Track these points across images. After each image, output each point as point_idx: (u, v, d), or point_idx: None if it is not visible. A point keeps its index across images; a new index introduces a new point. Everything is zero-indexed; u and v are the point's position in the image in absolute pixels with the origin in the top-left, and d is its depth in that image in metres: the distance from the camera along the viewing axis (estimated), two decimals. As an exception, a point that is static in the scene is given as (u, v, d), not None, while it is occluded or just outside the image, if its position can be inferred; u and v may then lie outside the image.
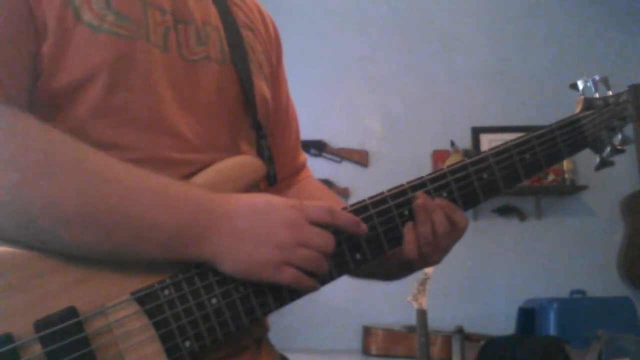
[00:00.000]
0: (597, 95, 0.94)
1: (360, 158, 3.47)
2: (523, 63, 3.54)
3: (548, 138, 0.88)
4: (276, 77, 1.01)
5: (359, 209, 0.78)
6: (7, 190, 0.64)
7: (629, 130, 0.96)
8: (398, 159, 3.37)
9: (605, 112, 0.93)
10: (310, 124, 3.40)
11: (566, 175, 3.35)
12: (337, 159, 3.48)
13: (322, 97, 3.53)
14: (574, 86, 0.95)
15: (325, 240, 0.71)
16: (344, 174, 3.43)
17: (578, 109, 0.93)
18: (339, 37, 3.59)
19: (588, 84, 0.94)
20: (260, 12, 1.00)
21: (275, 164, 0.92)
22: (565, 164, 3.36)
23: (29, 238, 0.66)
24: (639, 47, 3.53)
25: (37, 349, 0.63)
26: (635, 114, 0.94)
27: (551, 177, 3.35)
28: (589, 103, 0.93)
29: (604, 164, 0.95)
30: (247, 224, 0.70)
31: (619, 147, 0.94)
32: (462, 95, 3.52)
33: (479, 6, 3.64)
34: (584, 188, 3.36)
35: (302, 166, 1.08)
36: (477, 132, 3.44)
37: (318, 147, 3.46)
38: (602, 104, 0.93)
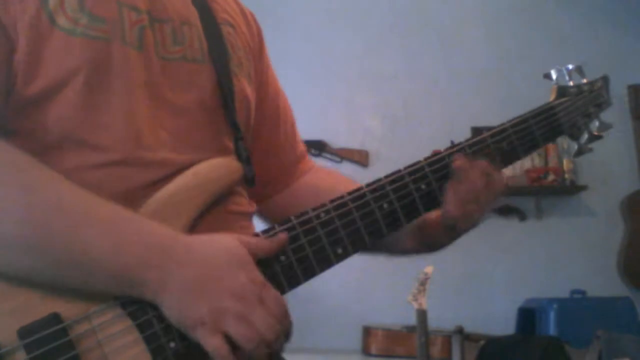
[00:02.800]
0: (571, 83, 0.95)
1: (360, 158, 3.46)
2: (523, 62, 3.54)
3: (523, 127, 0.90)
4: (260, 71, 1.00)
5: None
6: None
7: (606, 116, 0.97)
8: (398, 159, 3.34)
9: (580, 99, 0.94)
10: (310, 124, 3.39)
11: (566, 175, 3.35)
12: (337, 159, 3.48)
13: (322, 97, 3.52)
14: (548, 75, 0.97)
15: (271, 328, 0.68)
16: (344, 174, 3.41)
17: (552, 97, 0.95)
18: (339, 37, 3.59)
19: (562, 72, 0.96)
20: (240, 6, 1.00)
21: (267, 156, 0.91)
22: (565, 164, 3.36)
23: None
24: (638, 47, 3.53)
25: (22, 356, 0.63)
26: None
27: (551, 177, 3.35)
28: (562, 91, 0.94)
29: (582, 151, 0.96)
30: (198, 280, 0.67)
31: (596, 134, 0.95)
32: (462, 95, 3.52)
33: (479, 6, 3.64)
34: (584, 188, 3.35)
35: (302, 156, 1.07)
36: (477, 132, 3.43)
37: (318, 147, 3.45)
38: (575, 92, 0.95)
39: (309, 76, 3.49)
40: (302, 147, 1.08)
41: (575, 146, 0.96)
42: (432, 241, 0.90)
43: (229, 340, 0.67)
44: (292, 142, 1.06)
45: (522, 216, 3.43)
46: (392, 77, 3.56)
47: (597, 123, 0.95)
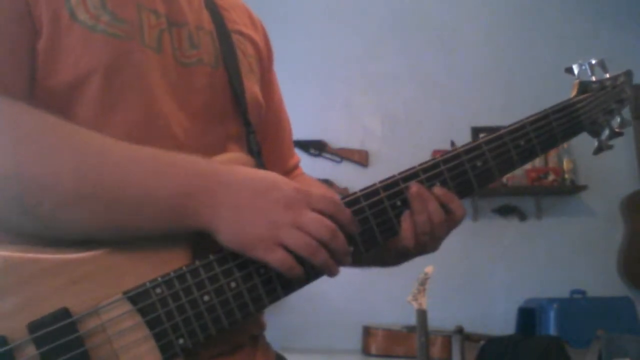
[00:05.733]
0: (593, 78, 0.92)
1: (360, 158, 3.47)
2: (523, 63, 3.54)
3: (543, 124, 0.86)
4: (268, 80, 1.02)
5: (351, 201, 0.77)
6: (4, 179, 0.65)
7: (627, 113, 0.94)
8: (398, 159, 3.37)
9: (602, 95, 0.91)
10: (310, 124, 3.40)
11: (566, 175, 3.35)
12: (337, 159, 3.48)
13: (322, 97, 3.53)
14: (569, 70, 0.93)
15: (323, 227, 0.69)
16: (344, 174, 3.43)
17: (573, 93, 0.91)
18: (339, 38, 3.59)
19: (584, 67, 0.92)
20: (251, 18, 1.02)
21: (267, 163, 0.92)
22: (565, 164, 3.36)
23: (31, 223, 0.67)
24: (639, 47, 3.53)
25: (32, 350, 0.63)
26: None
27: (551, 177, 3.35)
28: (584, 86, 0.91)
29: (603, 147, 0.93)
30: (248, 198, 0.69)
31: (617, 130, 0.92)
32: (462, 95, 3.52)
33: (479, 6, 3.64)
34: (584, 188, 3.36)
35: (295, 167, 1.09)
36: (477, 132, 3.44)
37: (318, 147, 3.46)
38: (598, 87, 0.91)
39: (309, 76, 3.49)
40: (296, 159, 1.09)
41: (595, 143, 0.93)
42: (382, 260, 0.89)
43: (289, 251, 0.68)
44: (288, 152, 1.08)
45: (522, 216, 3.43)
46: (392, 77, 3.56)
47: (618, 119, 0.92)
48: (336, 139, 3.49)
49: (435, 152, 3.39)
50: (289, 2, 3.59)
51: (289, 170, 1.06)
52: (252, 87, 0.92)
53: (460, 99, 3.52)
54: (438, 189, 0.80)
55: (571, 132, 0.89)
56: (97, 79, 0.73)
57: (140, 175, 0.68)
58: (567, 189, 3.38)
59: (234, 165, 0.73)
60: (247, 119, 0.89)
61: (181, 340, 0.68)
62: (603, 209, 3.42)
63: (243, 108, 0.88)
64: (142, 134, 0.76)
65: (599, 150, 0.93)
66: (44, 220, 0.66)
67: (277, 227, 0.68)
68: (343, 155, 3.48)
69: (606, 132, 0.92)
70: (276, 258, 0.68)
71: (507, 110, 3.47)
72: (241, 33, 0.95)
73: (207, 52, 0.86)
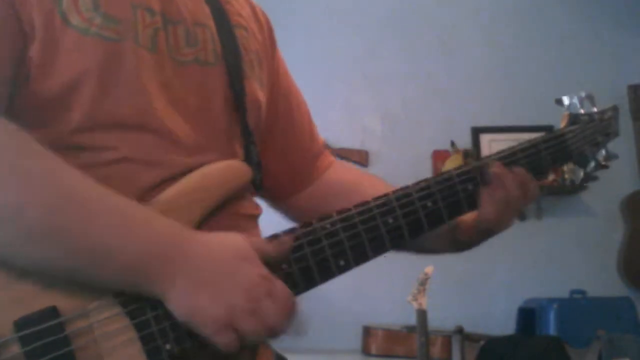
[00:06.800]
0: (582, 111, 0.96)
1: (360, 158, 3.46)
2: (523, 63, 3.54)
3: (532, 152, 0.90)
4: (272, 70, 1.00)
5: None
6: None
7: (612, 146, 0.99)
8: (398, 159, 3.37)
9: (590, 128, 0.95)
10: (310, 124, 3.39)
11: (566, 175, 3.35)
12: (337, 158, 3.47)
13: (322, 97, 3.52)
14: (559, 102, 0.98)
15: (278, 319, 0.69)
16: (343, 174, 3.42)
17: (563, 124, 0.96)
18: (339, 37, 3.58)
19: (573, 100, 0.97)
20: (252, 8, 1.00)
21: (286, 155, 0.92)
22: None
23: None
24: (638, 47, 3.53)
25: (16, 348, 0.63)
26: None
27: (551, 177, 3.35)
28: (574, 118, 0.96)
29: (588, 178, 0.97)
30: (209, 276, 0.68)
31: (603, 163, 0.96)
32: (462, 95, 3.52)
33: (479, 6, 3.63)
34: (584, 188, 3.35)
35: (321, 151, 1.07)
36: (477, 132, 3.44)
37: (318, 147, 3.45)
38: (587, 120, 0.96)
39: (309, 76, 3.48)
40: (320, 143, 1.08)
41: (580, 173, 0.98)
42: (463, 242, 0.93)
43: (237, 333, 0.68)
44: (310, 138, 1.06)
45: (522, 216, 3.43)
46: (392, 77, 3.56)
47: (603, 152, 0.97)
48: (336, 139, 3.49)
49: (435, 152, 3.40)
50: (289, 2, 3.59)
51: (314, 157, 1.05)
52: (252, 86, 0.90)
53: (460, 99, 3.51)
54: (518, 169, 0.87)
55: (559, 161, 0.93)
56: (90, 82, 0.73)
57: (105, 229, 0.66)
58: (567, 189, 3.37)
59: (202, 234, 0.71)
60: (247, 127, 0.87)
61: (168, 346, 0.67)
62: (603, 209, 3.42)
63: (243, 113, 0.87)
64: (136, 137, 0.75)
65: (585, 180, 0.98)
66: (1, 246, 0.65)
67: (234, 312, 0.67)
68: (343, 155, 3.47)
69: (592, 164, 0.96)
70: (225, 341, 0.67)
71: (507, 110, 3.47)
72: (244, 27, 0.94)
73: (204, 50, 0.84)
